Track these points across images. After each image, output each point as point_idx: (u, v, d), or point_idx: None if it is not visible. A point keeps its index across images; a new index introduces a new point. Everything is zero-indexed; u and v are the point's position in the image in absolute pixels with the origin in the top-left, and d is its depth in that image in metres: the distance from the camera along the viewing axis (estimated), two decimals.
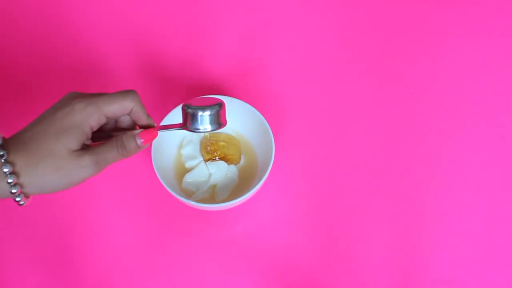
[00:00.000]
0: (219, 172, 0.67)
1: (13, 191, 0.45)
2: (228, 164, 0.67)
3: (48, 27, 0.79)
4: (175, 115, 0.65)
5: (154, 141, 0.63)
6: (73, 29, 0.78)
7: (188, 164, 0.68)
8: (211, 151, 0.68)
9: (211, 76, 0.76)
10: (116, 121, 0.52)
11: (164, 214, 0.68)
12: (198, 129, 0.55)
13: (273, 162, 0.62)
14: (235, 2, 0.81)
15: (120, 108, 0.49)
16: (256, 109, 0.65)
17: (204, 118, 0.54)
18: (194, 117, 0.54)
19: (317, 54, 0.78)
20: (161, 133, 0.64)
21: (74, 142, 0.46)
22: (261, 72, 0.77)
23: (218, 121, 0.55)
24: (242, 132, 0.69)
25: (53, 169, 0.46)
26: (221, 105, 0.55)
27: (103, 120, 0.48)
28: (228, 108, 0.66)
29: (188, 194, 0.66)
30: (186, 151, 0.68)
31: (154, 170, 0.61)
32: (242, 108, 0.66)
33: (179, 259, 0.66)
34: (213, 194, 0.67)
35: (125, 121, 0.52)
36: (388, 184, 0.70)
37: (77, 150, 0.47)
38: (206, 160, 0.68)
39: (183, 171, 0.68)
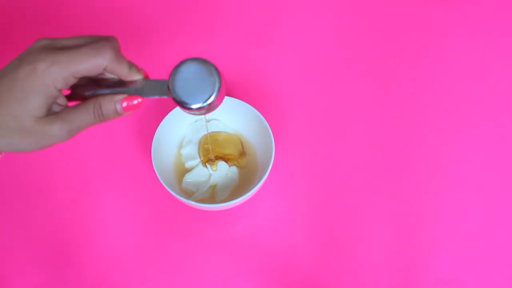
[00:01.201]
0: (219, 172, 0.67)
1: None
2: (229, 163, 0.67)
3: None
4: (176, 115, 0.65)
5: (154, 141, 0.63)
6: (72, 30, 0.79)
7: (188, 164, 0.68)
8: (208, 151, 0.68)
9: None
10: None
11: (164, 214, 0.68)
12: (190, 112, 0.46)
13: (273, 162, 0.62)
14: (235, 2, 0.81)
15: (90, 68, 0.42)
16: (256, 109, 0.65)
17: (196, 112, 0.46)
18: (184, 107, 0.45)
19: (317, 54, 0.78)
20: (161, 133, 0.65)
21: (39, 109, 0.41)
22: (261, 72, 0.77)
23: (213, 107, 0.46)
24: (242, 132, 0.69)
25: (19, 135, 0.42)
26: (218, 87, 0.45)
27: (72, 81, 0.42)
28: (228, 108, 0.66)
29: (188, 194, 0.66)
30: (186, 151, 0.68)
31: (154, 170, 0.61)
32: (242, 108, 0.66)
33: (179, 259, 0.66)
34: (213, 194, 0.67)
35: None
36: (388, 184, 0.70)
37: (45, 117, 0.42)
38: (204, 162, 0.67)
39: (183, 171, 0.68)
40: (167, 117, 0.65)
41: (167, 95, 0.46)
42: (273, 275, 0.65)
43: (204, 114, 0.47)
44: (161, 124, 0.64)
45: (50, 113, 0.43)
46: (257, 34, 0.79)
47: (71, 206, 0.68)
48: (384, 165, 0.71)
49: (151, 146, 0.63)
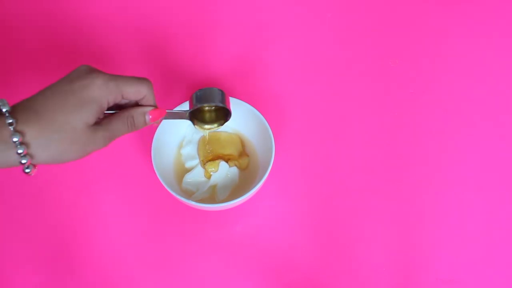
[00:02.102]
0: (219, 172, 0.67)
1: (23, 161, 0.44)
2: (229, 163, 0.67)
3: (55, 24, 0.79)
4: None
5: (154, 141, 0.63)
6: (77, 30, 0.79)
7: (188, 164, 0.68)
8: (208, 152, 0.68)
9: (211, 76, 0.76)
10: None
11: (164, 214, 0.68)
12: (205, 128, 0.61)
13: (273, 162, 0.62)
14: (236, 2, 0.81)
15: (136, 92, 0.49)
16: (256, 109, 0.65)
17: (211, 120, 0.60)
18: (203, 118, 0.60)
19: (317, 54, 0.78)
20: (161, 133, 0.65)
21: (92, 117, 0.46)
22: (261, 72, 0.77)
23: (224, 121, 0.61)
24: (242, 132, 0.69)
25: (68, 142, 0.45)
26: (226, 109, 0.59)
27: (119, 99, 0.49)
28: None
29: (188, 194, 0.66)
30: (186, 151, 0.68)
31: (154, 170, 0.61)
32: (242, 108, 0.66)
33: (179, 259, 0.66)
34: (213, 194, 0.67)
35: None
36: (388, 184, 0.70)
37: (92, 125, 0.47)
38: (203, 163, 0.67)
39: (183, 171, 0.68)
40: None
41: (184, 118, 0.58)
42: (273, 275, 0.65)
43: (214, 128, 0.62)
44: (161, 124, 0.64)
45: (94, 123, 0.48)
46: (257, 34, 0.79)
47: (71, 206, 0.68)
48: (384, 165, 0.71)
49: (151, 146, 0.63)
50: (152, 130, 0.64)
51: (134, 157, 0.71)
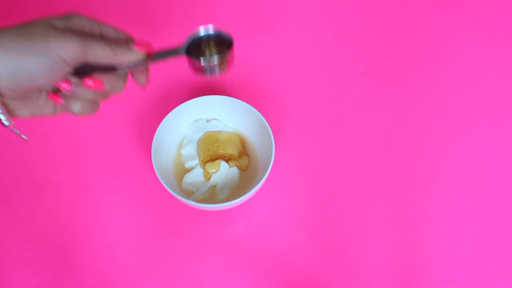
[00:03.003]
0: (219, 172, 0.67)
1: None
2: (229, 163, 0.67)
3: None
4: (175, 115, 0.66)
5: (154, 141, 0.63)
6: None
7: (188, 164, 0.68)
8: (209, 151, 0.68)
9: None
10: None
11: (164, 214, 0.68)
12: (203, 72, 0.51)
13: (273, 162, 0.62)
14: (236, 1, 0.81)
15: (116, 30, 0.47)
16: (256, 109, 0.65)
17: (210, 67, 0.50)
18: (201, 63, 0.50)
19: (317, 54, 0.78)
20: (161, 133, 0.65)
21: (56, 21, 0.42)
22: (261, 72, 0.77)
23: (224, 65, 0.51)
24: (242, 132, 0.69)
25: (28, 33, 0.41)
26: (230, 46, 0.50)
27: (97, 28, 0.45)
28: (228, 108, 0.67)
29: (188, 194, 0.66)
30: (186, 151, 0.69)
31: (154, 170, 0.61)
32: (242, 108, 0.66)
33: (179, 259, 0.66)
34: (213, 194, 0.67)
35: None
36: (388, 184, 0.70)
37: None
38: (203, 163, 0.67)
39: (183, 171, 0.68)
40: (167, 117, 0.65)
41: (179, 53, 0.50)
42: (273, 275, 0.65)
43: (211, 73, 0.51)
44: (161, 124, 0.64)
45: None
46: (257, 34, 0.79)
47: (71, 207, 0.68)
48: (384, 165, 0.71)
49: (151, 146, 0.63)
50: (152, 130, 0.64)
51: (134, 157, 0.71)
